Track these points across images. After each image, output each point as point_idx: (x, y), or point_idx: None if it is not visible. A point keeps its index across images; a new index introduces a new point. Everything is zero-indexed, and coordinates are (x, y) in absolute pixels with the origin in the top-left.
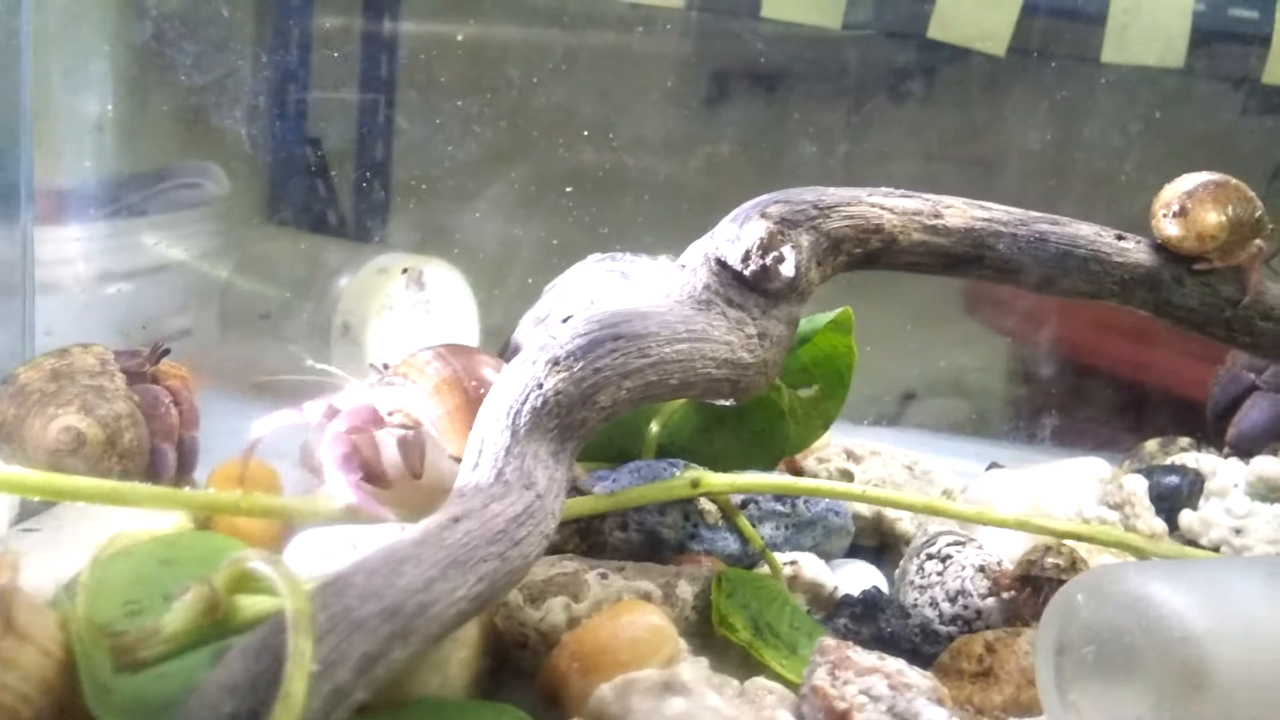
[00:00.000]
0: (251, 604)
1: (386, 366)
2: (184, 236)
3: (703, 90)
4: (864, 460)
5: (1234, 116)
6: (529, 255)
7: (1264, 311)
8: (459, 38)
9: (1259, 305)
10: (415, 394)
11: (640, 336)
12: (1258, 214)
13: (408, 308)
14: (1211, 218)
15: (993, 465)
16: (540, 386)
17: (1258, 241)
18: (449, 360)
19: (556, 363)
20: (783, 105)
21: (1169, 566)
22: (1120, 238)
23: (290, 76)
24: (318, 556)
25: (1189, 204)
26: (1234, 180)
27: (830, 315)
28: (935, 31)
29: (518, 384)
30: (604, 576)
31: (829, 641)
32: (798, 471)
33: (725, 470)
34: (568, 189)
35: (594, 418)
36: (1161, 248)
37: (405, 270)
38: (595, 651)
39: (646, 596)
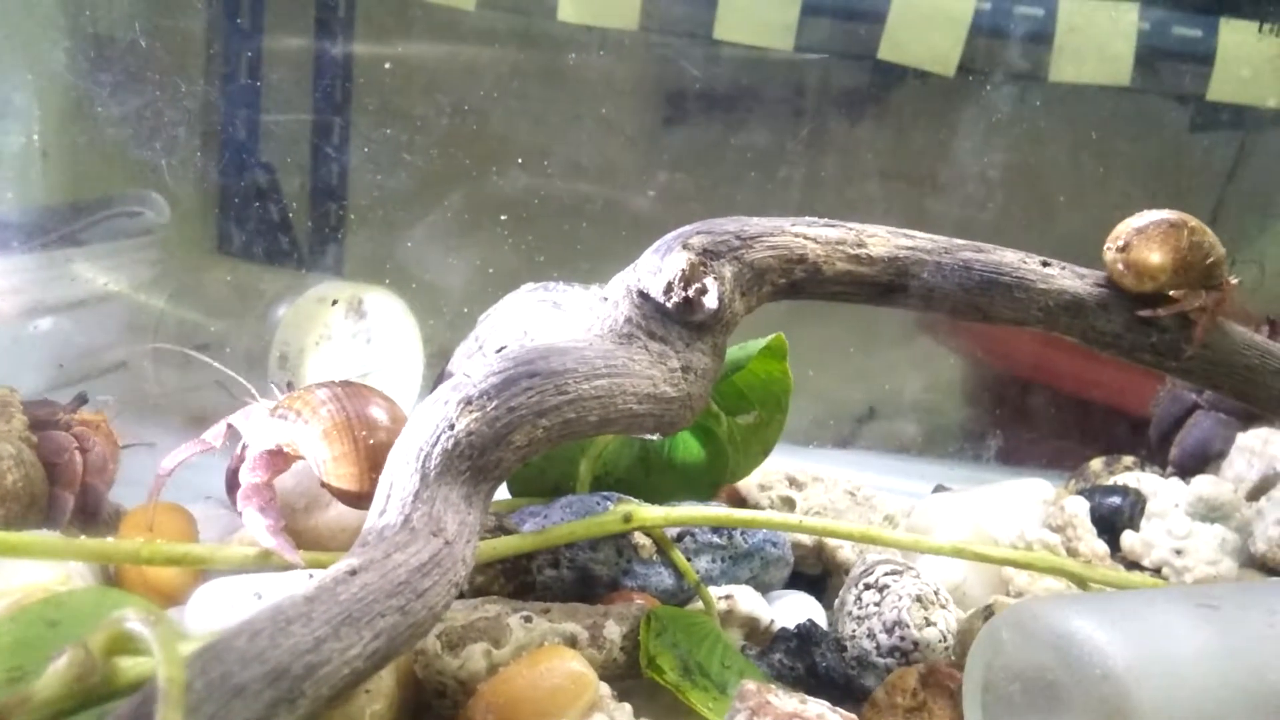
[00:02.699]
0: (133, 666)
1: (290, 386)
2: (121, 267)
3: (659, 112)
4: (806, 487)
5: (1181, 132)
6: (485, 281)
7: (1190, 335)
8: (412, 62)
9: (1185, 329)
10: (307, 434)
11: (557, 373)
12: (1210, 260)
13: (347, 337)
14: (1154, 258)
15: (939, 487)
16: (452, 427)
17: (1205, 296)
18: (344, 404)
19: (469, 402)
20: (738, 127)
21: (1093, 600)
22: (1045, 264)
23: (239, 102)
24: (221, 606)
25: (1134, 240)
26: (1193, 222)
27: (763, 341)
28: (886, 53)
29: (428, 425)
30: (528, 620)
31: (749, 686)
32: (740, 500)
33: (665, 501)
34: (503, 216)
35: (509, 458)
36: (1086, 274)
37: (335, 301)
38: (511, 702)
39: (572, 639)
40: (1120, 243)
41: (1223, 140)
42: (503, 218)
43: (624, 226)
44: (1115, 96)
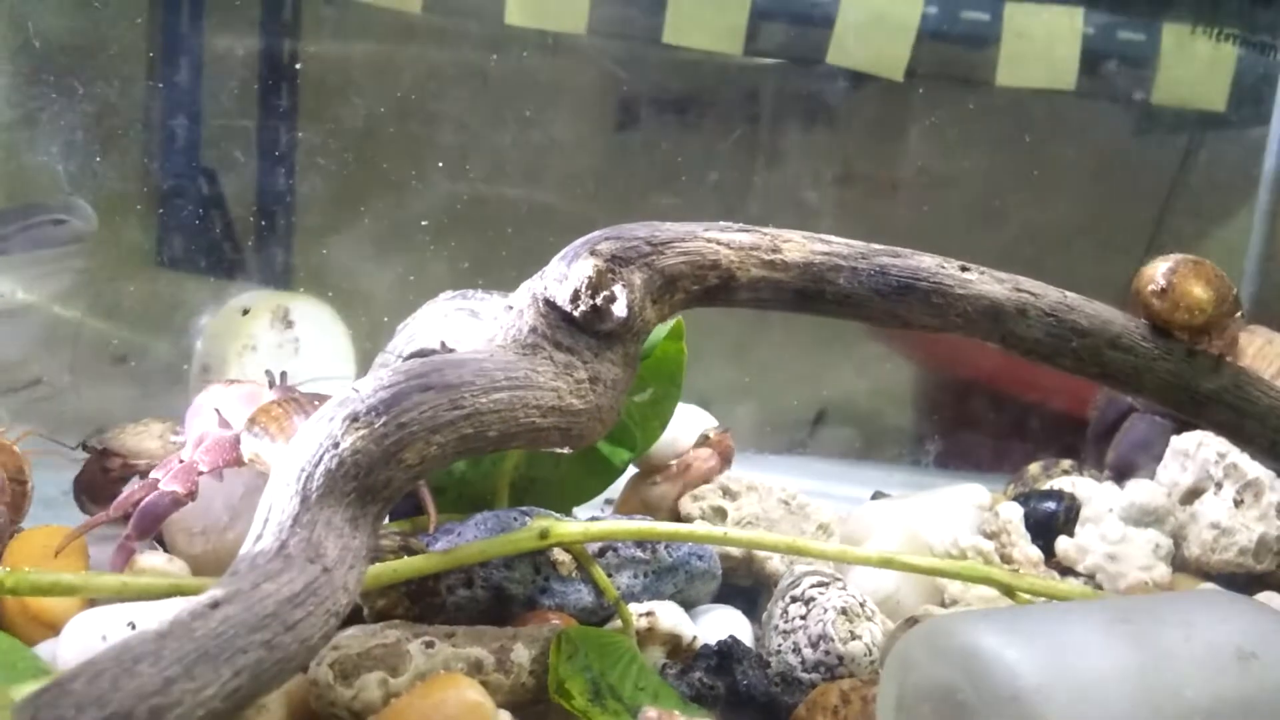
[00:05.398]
0: None
1: (284, 375)
2: (41, 277)
3: (609, 116)
4: (740, 496)
5: (1127, 136)
6: (432, 290)
7: (1111, 340)
8: (357, 65)
9: (1105, 333)
10: (276, 452)
11: (452, 387)
12: (1235, 292)
13: (273, 347)
14: (1199, 291)
15: (877, 494)
16: (336, 446)
17: (1233, 328)
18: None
19: (356, 419)
20: (688, 131)
21: (1005, 616)
22: (964, 269)
23: (178, 105)
24: (93, 637)
25: (1174, 280)
26: (1209, 260)
27: (666, 327)
28: (834, 57)
29: (312, 444)
30: (429, 645)
31: (650, 713)
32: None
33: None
34: (424, 221)
35: (400, 477)
36: (1005, 279)
37: (245, 311)
38: None
39: (478, 664)
40: (1161, 284)
41: (1168, 144)
42: (424, 223)
43: (573, 233)
44: (1061, 100)
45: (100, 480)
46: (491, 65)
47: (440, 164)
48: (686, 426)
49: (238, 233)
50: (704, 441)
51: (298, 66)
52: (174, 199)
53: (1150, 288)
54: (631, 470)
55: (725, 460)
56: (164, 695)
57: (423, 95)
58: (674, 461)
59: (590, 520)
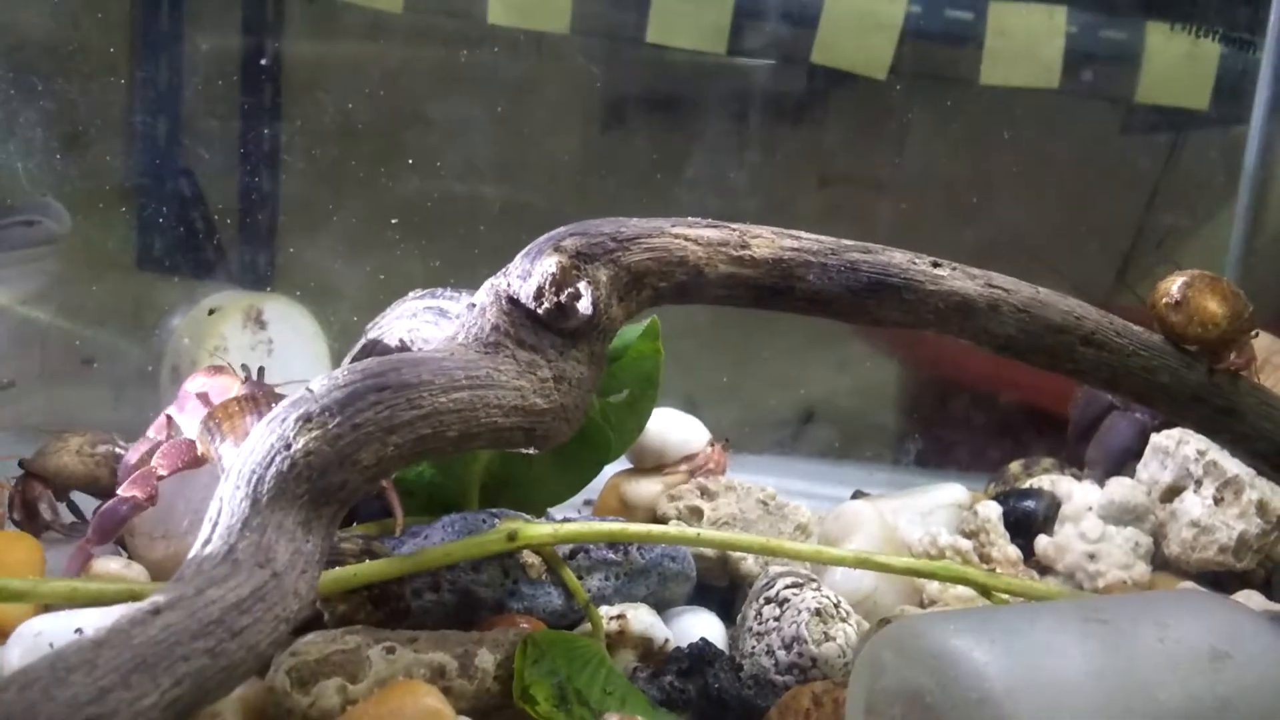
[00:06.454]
0: None
1: (262, 371)
2: (11, 279)
3: (596, 116)
4: (718, 497)
5: (1112, 134)
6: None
7: (1084, 336)
8: (339, 64)
9: (1078, 330)
10: (228, 451)
11: (410, 386)
12: (1251, 309)
13: (246, 348)
14: (1213, 306)
15: (857, 493)
16: (288, 448)
17: (1250, 344)
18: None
19: (309, 420)
20: (676, 131)
21: (975, 617)
22: (936, 265)
23: (156, 104)
24: (40, 644)
25: (1188, 294)
26: (1225, 278)
27: (640, 327)
28: (818, 57)
29: (263, 445)
30: (390, 650)
31: (613, 718)
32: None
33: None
34: (399, 221)
35: (355, 479)
36: (978, 274)
37: (211, 311)
38: None
39: (441, 669)
40: (1175, 298)
41: (1153, 142)
42: (393, 222)
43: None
44: (1044, 99)
45: (26, 497)
46: (474, 64)
47: (422, 163)
48: (694, 431)
49: (214, 233)
50: (709, 451)
51: (275, 65)
52: (149, 199)
53: (1165, 300)
54: (610, 471)
55: (718, 473)
56: (99, 705)
57: (405, 95)
58: (684, 465)
59: (562, 521)
